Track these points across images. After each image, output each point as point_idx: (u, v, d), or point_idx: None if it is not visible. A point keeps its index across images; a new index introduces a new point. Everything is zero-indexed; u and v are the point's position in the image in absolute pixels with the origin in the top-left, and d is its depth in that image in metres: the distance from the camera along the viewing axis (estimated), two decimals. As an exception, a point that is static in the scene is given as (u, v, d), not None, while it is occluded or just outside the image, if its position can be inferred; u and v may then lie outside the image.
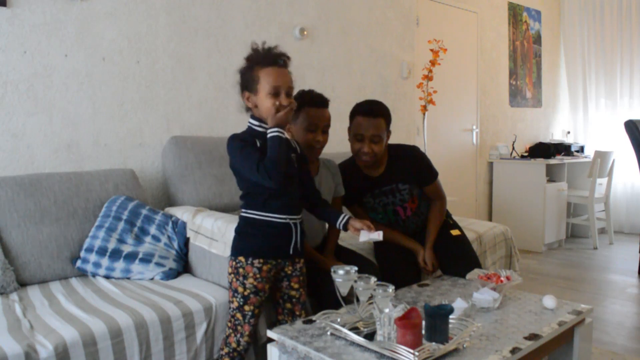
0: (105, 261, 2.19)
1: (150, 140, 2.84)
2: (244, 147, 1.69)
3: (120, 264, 2.19)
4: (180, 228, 2.37)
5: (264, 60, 1.72)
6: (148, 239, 2.31)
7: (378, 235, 1.76)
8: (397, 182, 2.32)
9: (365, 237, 1.78)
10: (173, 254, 2.29)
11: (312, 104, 2.07)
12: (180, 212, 2.46)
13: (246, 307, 1.74)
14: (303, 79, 3.56)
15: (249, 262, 1.73)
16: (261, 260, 1.73)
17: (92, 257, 2.19)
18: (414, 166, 2.33)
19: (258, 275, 1.73)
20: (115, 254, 2.20)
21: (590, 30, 5.88)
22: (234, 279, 1.75)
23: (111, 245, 2.22)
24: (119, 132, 2.73)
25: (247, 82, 1.74)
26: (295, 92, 1.87)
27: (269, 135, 1.67)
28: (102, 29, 2.65)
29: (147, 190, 2.78)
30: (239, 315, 1.75)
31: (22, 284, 2.10)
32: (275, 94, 1.68)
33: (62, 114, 2.54)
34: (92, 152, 2.64)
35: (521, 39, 5.62)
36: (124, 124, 2.74)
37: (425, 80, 3.88)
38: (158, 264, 2.21)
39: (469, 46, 4.97)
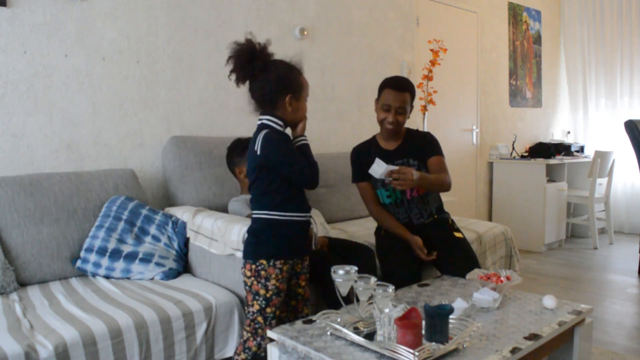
0: (105, 261, 2.19)
1: (150, 140, 2.84)
2: (290, 147, 1.76)
3: (120, 264, 2.19)
4: (180, 228, 2.37)
5: (300, 70, 1.85)
6: (148, 239, 2.31)
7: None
8: (408, 157, 2.44)
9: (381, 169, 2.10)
10: (173, 254, 2.29)
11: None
12: (180, 212, 2.46)
13: (268, 310, 1.74)
14: (303, 79, 3.56)
15: (271, 264, 1.73)
16: (282, 261, 1.74)
17: (92, 257, 2.19)
18: (424, 141, 2.48)
19: (280, 276, 1.74)
20: (115, 254, 2.20)
21: (590, 30, 5.88)
22: (255, 282, 1.73)
23: (111, 245, 2.22)
24: (119, 132, 2.73)
25: (294, 87, 1.79)
26: None
27: (303, 143, 1.81)
28: (102, 29, 2.65)
29: (147, 190, 2.78)
30: (260, 319, 1.74)
31: (22, 284, 2.10)
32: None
33: (62, 114, 2.54)
34: (92, 152, 2.64)
35: (521, 39, 5.62)
36: (124, 124, 2.74)
37: (425, 80, 3.88)
38: (158, 264, 2.21)
39: (469, 46, 4.97)
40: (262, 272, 1.73)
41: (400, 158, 2.45)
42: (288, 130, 1.83)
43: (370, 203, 2.50)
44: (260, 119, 1.79)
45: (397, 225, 2.42)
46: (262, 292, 1.73)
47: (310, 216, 1.84)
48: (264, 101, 1.78)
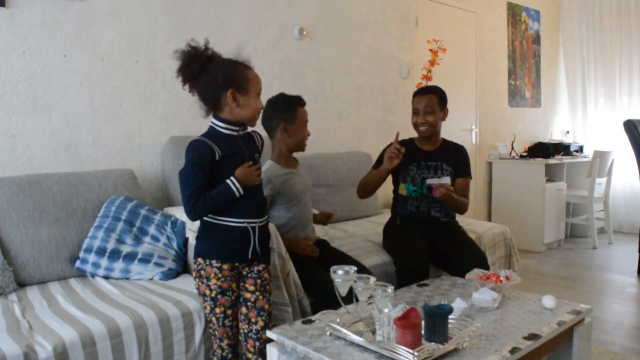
0: (104, 261, 2.18)
1: (149, 141, 2.83)
2: (196, 164, 1.67)
3: (119, 264, 2.18)
4: (179, 228, 2.37)
5: (245, 63, 1.75)
6: (147, 239, 2.31)
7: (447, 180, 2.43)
8: (442, 162, 2.64)
9: (434, 180, 2.42)
10: (172, 254, 2.29)
11: (303, 104, 2.28)
12: (180, 212, 2.46)
13: (217, 310, 1.73)
14: (302, 79, 3.56)
15: (207, 262, 1.72)
16: (218, 261, 1.72)
17: (91, 258, 2.19)
18: (460, 155, 2.69)
19: (220, 275, 1.71)
20: (114, 255, 2.20)
21: (589, 30, 5.88)
22: (200, 283, 1.74)
23: (110, 245, 2.22)
24: (118, 132, 2.73)
25: (237, 81, 1.70)
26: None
27: (229, 184, 1.67)
28: (101, 29, 2.65)
29: (146, 191, 2.77)
30: (213, 319, 1.74)
31: (21, 284, 2.10)
32: (259, 95, 1.76)
33: (61, 114, 2.54)
34: (91, 153, 2.64)
35: (520, 39, 5.63)
36: (123, 124, 2.74)
37: (425, 80, 3.88)
38: (157, 264, 2.21)
39: (468, 46, 4.97)
40: (202, 272, 1.73)
41: (436, 161, 2.64)
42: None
43: (364, 178, 2.67)
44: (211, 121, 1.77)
45: (375, 173, 2.58)
46: (207, 292, 1.73)
47: (254, 222, 1.73)
48: (208, 101, 1.73)
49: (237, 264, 1.74)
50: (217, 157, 1.68)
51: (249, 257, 1.73)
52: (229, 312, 1.74)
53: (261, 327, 1.75)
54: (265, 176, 2.17)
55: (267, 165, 2.26)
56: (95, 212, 2.33)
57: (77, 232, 2.26)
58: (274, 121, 2.24)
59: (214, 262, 1.71)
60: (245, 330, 1.76)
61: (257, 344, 1.74)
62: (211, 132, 1.75)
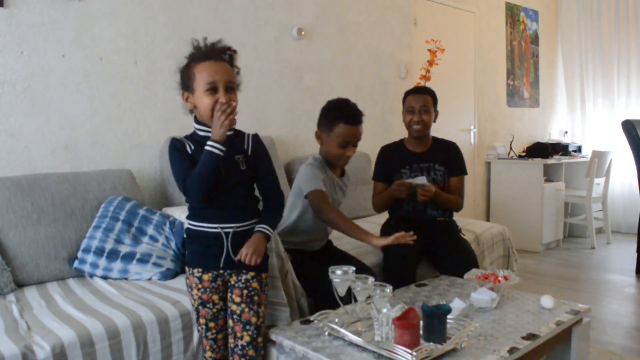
0: (102, 262, 2.18)
1: (148, 141, 2.83)
2: (176, 156, 1.63)
3: (117, 265, 2.18)
4: (177, 228, 2.37)
5: (201, 55, 1.60)
6: (145, 239, 2.30)
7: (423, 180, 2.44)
8: (435, 162, 2.62)
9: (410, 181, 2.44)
10: (171, 254, 2.29)
11: (348, 121, 2.12)
12: (178, 212, 2.46)
13: (201, 320, 1.68)
14: (301, 79, 3.56)
15: (191, 272, 1.67)
16: (200, 270, 1.65)
17: (90, 258, 2.19)
18: (452, 153, 2.68)
19: (200, 286, 1.65)
20: (113, 255, 2.20)
21: (587, 30, 5.89)
22: (188, 292, 1.71)
23: (108, 245, 2.21)
24: (117, 132, 2.72)
25: (185, 80, 1.62)
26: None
27: (205, 148, 1.54)
28: (100, 29, 2.65)
29: (144, 191, 2.77)
30: (199, 329, 1.71)
31: (20, 284, 2.10)
32: (212, 89, 1.57)
33: (60, 115, 2.54)
34: (90, 153, 2.64)
35: (519, 39, 5.63)
36: (122, 125, 2.74)
37: (423, 80, 3.89)
38: (156, 265, 2.20)
39: (466, 46, 4.98)
40: (187, 281, 1.69)
41: (427, 162, 2.62)
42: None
43: (376, 197, 2.69)
44: None
45: (385, 195, 2.60)
46: (192, 301, 1.70)
47: (228, 227, 1.61)
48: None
49: (222, 272, 1.64)
50: (190, 151, 1.63)
51: (221, 265, 1.62)
52: (211, 324, 1.67)
53: (247, 342, 1.61)
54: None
55: (311, 157, 2.20)
56: (94, 212, 2.33)
57: (75, 232, 2.26)
58: (319, 122, 2.20)
59: (195, 271, 1.65)
60: (232, 345, 1.65)
61: None
62: (192, 134, 1.70)
